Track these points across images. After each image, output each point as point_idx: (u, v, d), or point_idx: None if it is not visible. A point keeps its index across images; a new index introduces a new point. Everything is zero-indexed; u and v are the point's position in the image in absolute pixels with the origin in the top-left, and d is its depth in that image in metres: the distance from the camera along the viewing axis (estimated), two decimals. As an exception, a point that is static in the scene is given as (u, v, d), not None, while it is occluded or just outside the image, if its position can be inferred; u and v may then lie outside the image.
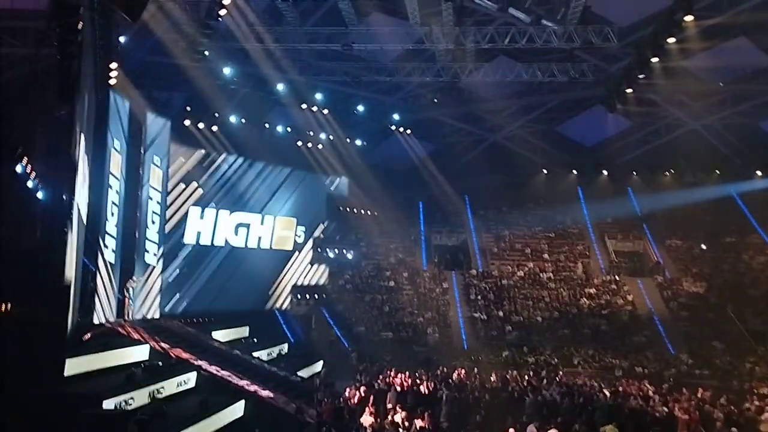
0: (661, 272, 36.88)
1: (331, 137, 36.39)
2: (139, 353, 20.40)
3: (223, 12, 23.28)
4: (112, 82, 23.43)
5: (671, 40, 23.12)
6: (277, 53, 29.96)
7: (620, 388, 22.97)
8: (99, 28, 19.28)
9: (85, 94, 18.55)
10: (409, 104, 37.79)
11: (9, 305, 15.52)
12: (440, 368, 25.98)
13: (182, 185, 30.46)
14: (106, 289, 24.23)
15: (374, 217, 39.81)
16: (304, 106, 33.96)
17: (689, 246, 38.63)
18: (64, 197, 16.83)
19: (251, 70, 30.77)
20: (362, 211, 39.57)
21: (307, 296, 35.62)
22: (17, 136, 14.58)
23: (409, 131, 39.44)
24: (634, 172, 41.55)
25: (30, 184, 15.62)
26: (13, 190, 15.91)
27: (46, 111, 16.73)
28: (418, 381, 22.81)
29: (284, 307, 34.76)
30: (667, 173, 40.88)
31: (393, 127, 38.88)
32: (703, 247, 38.28)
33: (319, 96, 33.62)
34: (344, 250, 38.40)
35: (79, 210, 18.92)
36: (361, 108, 35.88)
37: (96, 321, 22.62)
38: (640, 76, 25.79)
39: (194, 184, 30.97)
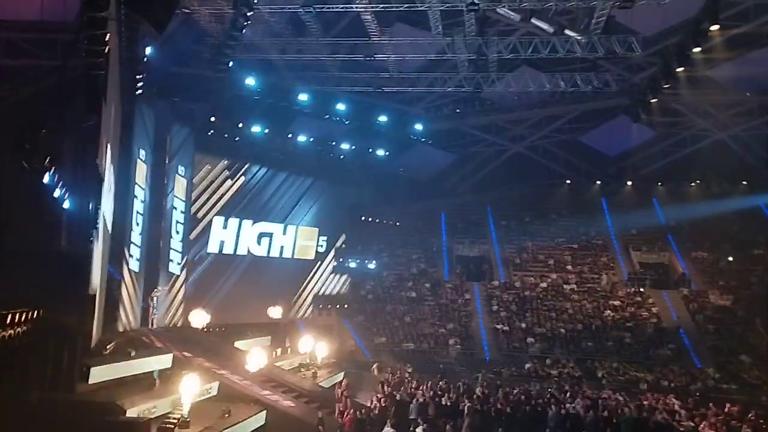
0: (687, 284, 36.35)
1: (353, 147, 36.51)
2: (162, 361, 20.52)
3: (247, 24, 23.50)
4: (138, 92, 23.76)
5: (697, 49, 22.90)
6: (300, 64, 30.20)
7: (645, 402, 22.60)
8: (126, 40, 19.58)
9: (111, 104, 18.81)
10: (431, 114, 37.81)
11: (36, 313, 15.71)
12: (462, 380, 25.79)
13: (206, 195, 30.73)
14: (130, 298, 24.48)
15: (396, 228, 39.81)
16: (326, 116, 34.12)
17: (716, 258, 38.03)
18: (90, 207, 17.03)
19: (274, 81, 31.02)
20: (384, 221, 39.59)
21: (329, 306, 35.67)
22: (45, 147, 14.79)
23: (431, 141, 39.43)
24: (659, 183, 41.08)
25: (57, 193, 15.83)
26: (41, 200, 16.14)
27: (74, 121, 16.96)
28: (439, 392, 22.68)
29: (306, 316, 34.84)
30: (693, 184, 40.37)
31: (415, 137, 38.90)
32: (730, 259, 37.66)
33: (341, 106, 33.79)
34: (366, 260, 38.43)
35: (104, 219, 19.16)
36: (383, 118, 36.01)
37: (120, 329, 22.85)
38: (665, 86, 25.56)
39: (218, 194, 31.23)
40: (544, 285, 37.50)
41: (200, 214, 30.55)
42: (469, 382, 25.34)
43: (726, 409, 21.16)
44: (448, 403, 21.15)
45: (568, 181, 42.04)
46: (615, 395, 23.94)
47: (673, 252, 38.75)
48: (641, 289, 36.18)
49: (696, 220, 37.88)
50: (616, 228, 40.35)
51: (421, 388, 23.13)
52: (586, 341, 32.44)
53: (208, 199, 30.94)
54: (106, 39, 15.38)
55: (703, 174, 39.70)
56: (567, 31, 25.54)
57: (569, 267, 39.02)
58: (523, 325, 34.12)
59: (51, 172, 15.05)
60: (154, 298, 26.32)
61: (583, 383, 27.11)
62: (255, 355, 21.82)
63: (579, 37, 25.75)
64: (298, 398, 20.83)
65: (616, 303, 35.28)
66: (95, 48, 15.21)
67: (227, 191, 31.76)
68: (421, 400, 21.17)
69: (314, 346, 26.78)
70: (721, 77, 30.31)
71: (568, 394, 23.39)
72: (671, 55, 24.24)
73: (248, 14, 22.78)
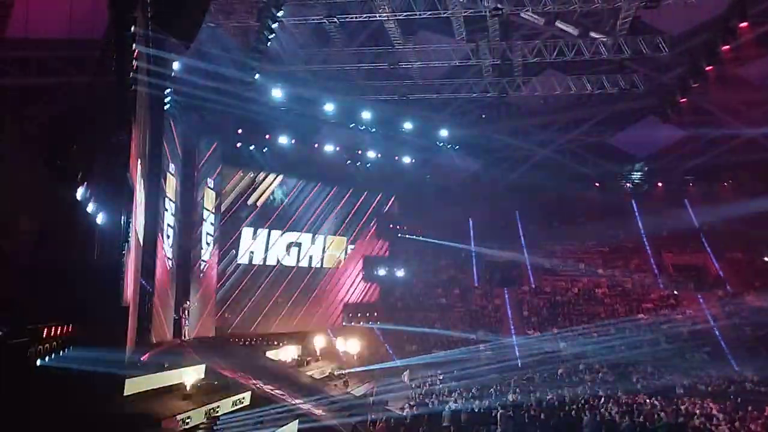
0: (722, 286, 35.73)
1: (379, 155, 36.58)
2: (195, 372, 20.69)
3: (272, 36, 23.72)
4: (166, 107, 24.11)
5: (726, 47, 22.56)
6: (325, 74, 30.36)
7: (682, 407, 22.22)
8: (153, 55, 19.88)
9: (140, 119, 19.11)
10: (456, 120, 37.71)
11: (71, 326, 15.98)
12: (495, 386, 25.61)
13: (235, 206, 31.01)
14: (162, 309, 24.75)
15: (424, 234, 39.74)
16: (352, 125, 34.24)
17: (751, 258, 37.29)
18: (122, 220, 17.30)
19: (300, 92, 31.25)
20: (412, 228, 39.55)
21: (359, 314, 35.71)
22: (77, 162, 15.08)
23: (457, 147, 39.31)
24: (691, 183, 40.45)
25: (90, 208, 16.10)
26: (73, 215, 16.43)
27: (105, 137, 17.28)
28: (472, 399, 22.54)
29: (336, 325, 34.90)
30: (726, 183, 39.66)
31: (441, 144, 38.82)
32: (766, 259, 36.92)
33: (366, 115, 33.92)
34: (395, 268, 38.42)
35: (136, 232, 19.43)
36: (408, 125, 36.05)
37: (153, 341, 23.11)
38: (694, 85, 25.21)
39: (246, 205, 31.49)
40: (575, 290, 37.15)
41: (229, 225, 30.80)
42: (502, 388, 25.16)
43: (766, 413, 20.74)
44: (481, 410, 21.02)
45: (597, 184, 41.60)
46: (651, 400, 23.58)
47: (707, 253, 38.09)
48: (675, 292, 35.65)
49: (729, 220, 37.18)
50: (647, 230, 39.81)
51: (452, 395, 23.03)
52: (619, 345, 32.03)
53: (237, 210, 31.20)
54: (134, 55, 15.67)
55: (735, 173, 39.02)
56: (592, 33, 25.37)
57: (600, 270, 38.57)
58: (555, 330, 33.82)
59: (83, 187, 15.31)
60: (186, 310, 26.60)
61: (618, 388, 26.75)
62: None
63: (604, 39, 25.54)
64: (329, 407, 20.85)
65: (650, 306, 34.81)
66: (124, 64, 15.51)
67: (256, 202, 32.01)
68: (453, 407, 21.07)
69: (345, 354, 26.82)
70: (751, 74, 29.77)
71: (602, 400, 23.10)
72: (700, 53, 23.92)
73: (273, 26, 23.01)
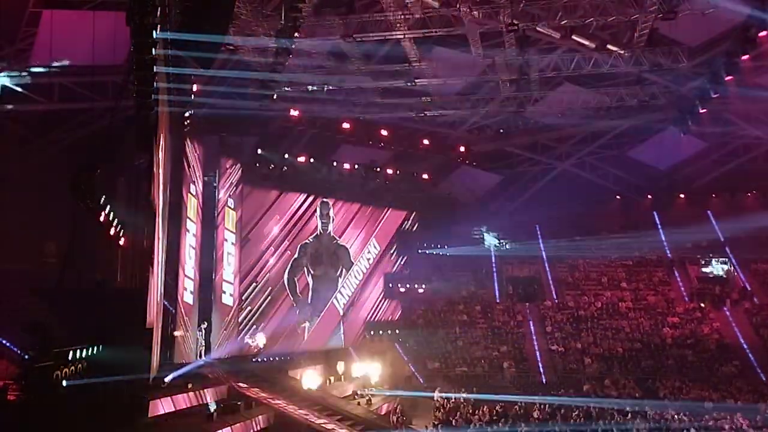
0: (749, 298, 35.21)
1: (398, 172, 36.62)
2: (218, 393, 20.73)
3: (289, 56, 23.92)
4: (186, 129, 24.37)
5: (745, 57, 22.42)
6: (342, 93, 30.52)
7: (711, 423, 21.84)
8: (173, 78, 20.14)
9: (161, 142, 19.33)
10: (474, 136, 37.70)
11: (95, 348, 16.14)
12: (519, 403, 25.35)
13: (256, 226, 31.15)
14: (185, 331, 24.85)
15: (444, 250, 39.61)
16: (370, 142, 34.34)
17: (777, 269, 36.80)
18: (145, 243, 17.48)
19: (318, 111, 31.45)
20: (432, 245, 39.44)
21: (381, 332, 35.56)
22: (101, 186, 15.29)
23: (475, 163, 39.27)
24: (713, 194, 40.04)
25: (113, 231, 16.28)
26: (97, 238, 16.64)
27: (127, 161, 17.54)
28: (495, 417, 22.34)
29: (358, 343, 34.79)
30: (749, 194, 39.21)
31: (459, 160, 38.80)
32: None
33: (384, 132, 33.94)
34: (415, 285, 38.26)
35: (159, 254, 19.58)
36: (426, 142, 36.02)
37: (177, 362, 23.17)
38: (714, 95, 25.03)
39: (267, 224, 31.62)
40: (598, 304, 36.78)
41: (251, 244, 30.89)
42: (526, 405, 24.92)
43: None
44: (506, 428, 20.83)
45: (618, 197, 41.33)
46: (679, 415, 23.22)
47: (732, 265, 37.59)
48: (701, 305, 35.18)
49: (754, 230, 36.69)
50: (670, 242, 39.40)
51: (477, 412, 22.84)
52: (645, 360, 31.62)
53: (258, 229, 31.31)
54: (155, 79, 15.89)
55: (759, 183, 38.60)
56: (609, 46, 25.31)
57: (624, 284, 38.21)
58: (579, 345, 33.45)
59: (107, 210, 15.50)
60: (207, 331, 26.67)
61: (645, 404, 26.36)
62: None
63: (622, 52, 25.46)
64: (353, 426, 20.75)
65: (675, 320, 34.37)
66: (144, 88, 15.73)
67: (276, 221, 32.12)
68: (477, 425, 20.90)
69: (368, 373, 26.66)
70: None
71: (629, 416, 22.79)
72: (719, 64, 23.77)
73: (290, 47, 23.20)
